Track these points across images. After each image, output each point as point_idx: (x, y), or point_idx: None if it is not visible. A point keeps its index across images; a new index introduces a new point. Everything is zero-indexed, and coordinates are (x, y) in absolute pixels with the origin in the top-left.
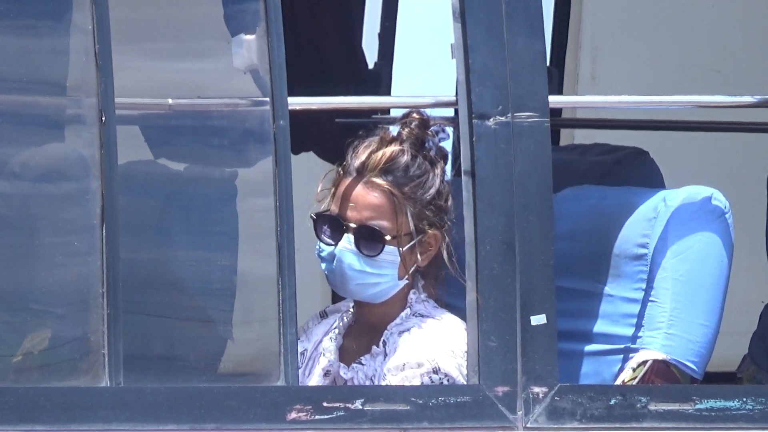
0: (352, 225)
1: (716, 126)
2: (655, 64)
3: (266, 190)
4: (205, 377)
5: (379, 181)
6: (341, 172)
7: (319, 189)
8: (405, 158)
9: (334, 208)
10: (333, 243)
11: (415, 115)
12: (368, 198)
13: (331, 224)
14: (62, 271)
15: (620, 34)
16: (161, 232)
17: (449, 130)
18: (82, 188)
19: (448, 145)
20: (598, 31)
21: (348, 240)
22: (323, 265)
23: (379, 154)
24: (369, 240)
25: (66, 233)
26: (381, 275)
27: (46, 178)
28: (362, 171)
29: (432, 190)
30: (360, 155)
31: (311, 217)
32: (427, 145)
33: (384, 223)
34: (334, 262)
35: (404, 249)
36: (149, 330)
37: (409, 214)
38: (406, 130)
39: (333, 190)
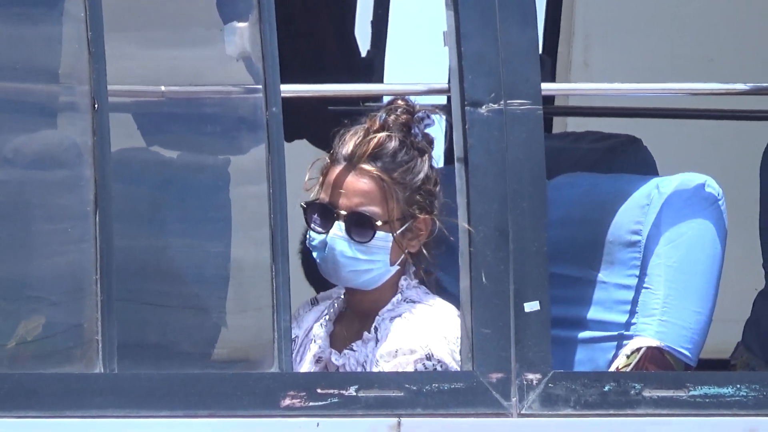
0: (343, 212)
1: (709, 114)
2: (648, 51)
3: (259, 178)
4: (198, 364)
5: (368, 167)
6: (329, 161)
7: (307, 178)
8: (393, 144)
9: (324, 197)
10: (324, 231)
11: (400, 102)
12: (358, 185)
13: (322, 212)
14: (56, 259)
15: (613, 22)
16: (154, 220)
17: (435, 117)
18: (75, 175)
19: (434, 131)
20: (591, 18)
21: (339, 227)
22: (315, 254)
23: (367, 140)
24: (360, 226)
25: (59, 220)
26: (373, 261)
27: (39, 166)
28: (351, 158)
29: (421, 175)
30: (348, 143)
31: (301, 206)
32: (413, 131)
33: (374, 209)
34: (326, 249)
35: (396, 234)
36: (143, 317)
37: (399, 200)
38: (392, 116)
39: (321, 178)
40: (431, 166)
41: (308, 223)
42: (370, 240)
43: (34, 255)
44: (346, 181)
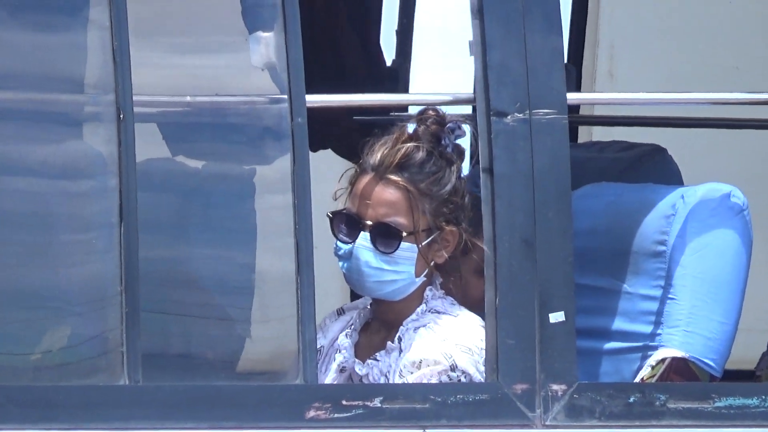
0: (369, 222)
1: (734, 123)
2: (673, 60)
3: (284, 188)
4: (223, 375)
5: (394, 177)
6: (357, 171)
7: (337, 188)
8: (420, 154)
9: (351, 206)
10: (350, 241)
11: (431, 112)
12: (384, 195)
13: (348, 222)
14: (81, 269)
15: (638, 31)
16: (179, 230)
17: (465, 127)
18: (101, 186)
19: (464, 142)
20: (616, 27)
21: (364, 237)
22: (341, 264)
23: (395, 150)
24: (385, 237)
25: (84, 231)
26: (398, 272)
27: (64, 176)
28: (378, 168)
29: (448, 187)
30: (376, 152)
31: (328, 215)
32: (443, 142)
33: (400, 220)
34: (351, 259)
35: (421, 245)
36: (167, 328)
37: (425, 211)
38: (422, 127)
39: (349, 188)
40: (459, 178)
41: (334, 233)
42: (395, 251)
43: (59, 265)
44: (373, 191)
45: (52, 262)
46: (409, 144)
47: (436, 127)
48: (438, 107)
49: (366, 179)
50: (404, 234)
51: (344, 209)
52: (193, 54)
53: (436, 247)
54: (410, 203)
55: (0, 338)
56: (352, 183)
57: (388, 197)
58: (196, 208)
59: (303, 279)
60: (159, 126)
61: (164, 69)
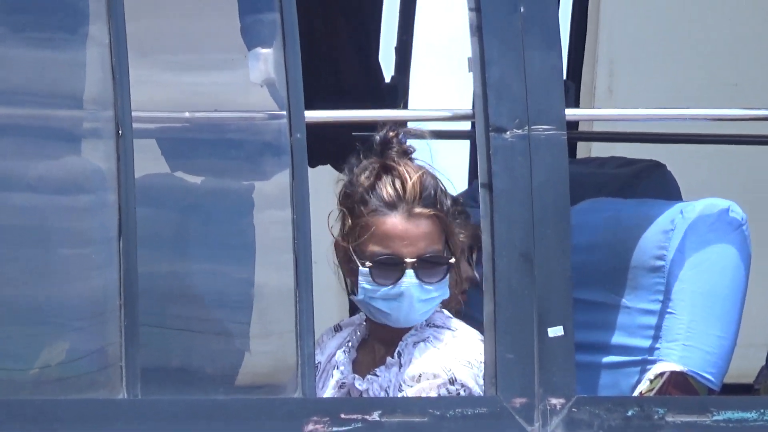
0: (411, 260)
1: (733, 139)
2: (672, 77)
3: (283, 203)
4: (222, 389)
5: (422, 210)
6: (363, 211)
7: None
8: (429, 179)
9: (383, 249)
10: (391, 282)
11: (390, 134)
12: (420, 230)
13: (388, 265)
14: (80, 284)
15: (637, 47)
16: (178, 245)
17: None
18: (100, 201)
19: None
20: (615, 44)
21: (410, 275)
22: (380, 305)
23: (409, 184)
24: (430, 269)
25: (83, 246)
26: (441, 296)
27: (63, 191)
28: (398, 205)
29: (449, 197)
30: (383, 190)
31: (367, 266)
32: (410, 156)
33: (438, 247)
34: (401, 299)
35: (458, 261)
36: (166, 342)
37: (453, 229)
38: (394, 150)
39: (362, 231)
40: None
41: (375, 281)
42: (443, 278)
43: (58, 280)
44: (407, 230)
45: (51, 276)
46: (413, 173)
47: (399, 145)
48: (388, 127)
49: (393, 220)
50: (452, 260)
51: (376, 253)
52: (192, 70)
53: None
54: (442, 228)
55: None
56: (364, 225)
57: (423, 230)
58: (195, 223)
59: (301, 294)
60: (158, 142)
61: (163, 85)
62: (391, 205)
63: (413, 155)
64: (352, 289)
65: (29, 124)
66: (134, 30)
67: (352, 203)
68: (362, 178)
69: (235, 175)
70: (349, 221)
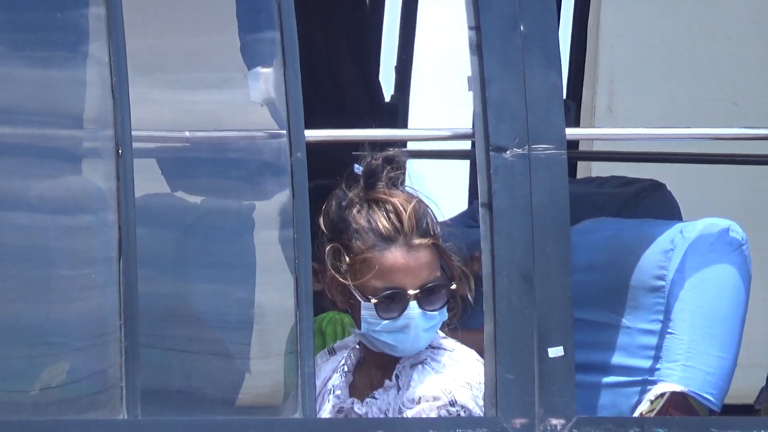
0: (413, 291)
1: (734, 158)
2: (672, 96)
3: (283, 223)
4: (222, 410)
5: (420, 240)
6: (361, 247)
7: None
8: (420, 207)
9: (381, 284)
10: (396, 315)
11: (373, 162)
12: (419, 261)
13: (392, 299)
14: (80, 304)
15: (637, 67)
16: (178, 265)
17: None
18: (99, 221)
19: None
20: (615, 63)
21: (413, 306)
22: (384, 338)
23: (405, 216)
24: (433, 297)
25: (83, 266)
26: (441, 320)
27: (63, 211)
28: (395, 238)
29: (438, 221)
30: (381, 225)
31: (372, 302)
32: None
33: (437, 275)
34: (406, 330)
35: (456, 285)
36: (167, 362)
37: (449, 255)
38: (381, 181)
39: (359, 266)
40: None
41: (381, 315)
42: (445, 305)
43: (58, 300)
44: (407, 263)
45: (51, 297)
46: (406, 204)
47: (394, 173)
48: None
49: (393, 255)
50: (453, 286)
51: (377, 287)
52: (192, 89)
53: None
54: (439, 254)
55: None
56: (361, 261)
57: (423, 261)
58: (195, 243)
59: (302, 314)
60: (158, 161)
61: (163, 104)
62: (390, 240)
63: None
64: (351, 322)
65: (29, 143)
66: (134, 49)
67: (348, 240)
68: (354, 212)
69: (236, 194)
70: (347, 258)
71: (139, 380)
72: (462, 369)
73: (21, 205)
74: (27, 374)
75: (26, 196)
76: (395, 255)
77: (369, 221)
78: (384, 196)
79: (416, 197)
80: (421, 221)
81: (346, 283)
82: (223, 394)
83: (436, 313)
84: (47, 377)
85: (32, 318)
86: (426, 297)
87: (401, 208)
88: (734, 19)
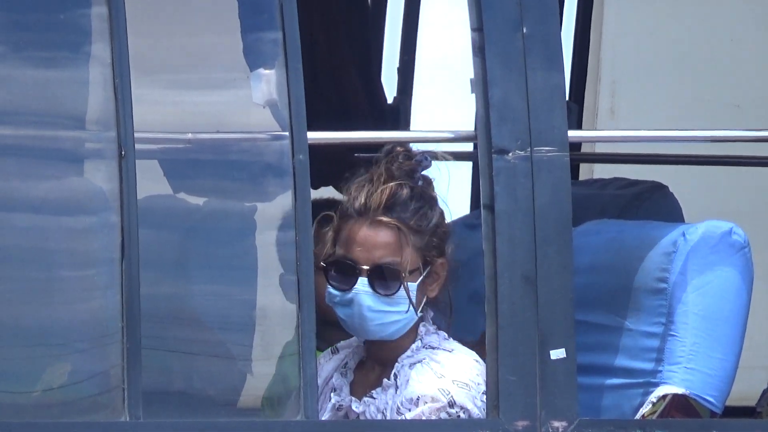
0: (365, 267)
1: (736, 160)
2: (675, 98)
3: (285, 225)
4: (224, 412)
5: (384, 218)
6: (337, 216)
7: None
8: (405, 192)
9: (343, 253)
10: (347, 288)
11: (398, 148)
12: (377, 237)
13: (343, 269)
14: (82, 306)
15: (639, 69)
16: (180, 266)
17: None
18: (102, 222)
19: (429, 172)
20: (618, 65)
21: (363, 283)
22: (338, 311)
23: (380, 192)
24: (384, 279)
25: (85, 267)
26: (399, 312)
27: (65, 212)
28: (364, 212)
29: (434, 220)
30: (359, 196)
31: (321, 265)
32: (415, 176)
33: (396, 260)
34: (352, 306)
35: (418, 281)
36: (168, 364)
37: (418, 247)
38: (395, 164)
39: (332, 233)
40: (438, 206)
41: (328, 281)
42: (396, 292)
43: (60, 302)
44: (365, 235)
45: (53, 298)
46: (391, 183)
47: (408, 162)
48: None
49: (354, 224)
50: (404, 274)
51: (337, 257)
52: (195, 91)
53: (429, 280)
54: (403, 242)
55: (1, 375)
56: (336, 229)
57: (381, 239)
58: (197, 244)
59: (304, 315)
60: (160, 163)
61: (166, 106)
62: (359, 212)
63: (425, 166)
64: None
65: (32, 144)
66: (137, 50)
67: (338, 209)
68: (353, 188)
69: (238, 196)
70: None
71: (140, 382)
72: (460, 369)
73: (24, 207)
74: (29, 376)
75: (29, 198)
76: (352, 225)
77: (349, 191)
78: (373, 172)
79: (412, 184)
80: (396, 202)
81: (319, 252)
82: (225, 395)
83: (386, 299)
84: (49, 379)
85: (34, 319)
86: (377, 277)
87: (376, 184)
88: (736, 22)
